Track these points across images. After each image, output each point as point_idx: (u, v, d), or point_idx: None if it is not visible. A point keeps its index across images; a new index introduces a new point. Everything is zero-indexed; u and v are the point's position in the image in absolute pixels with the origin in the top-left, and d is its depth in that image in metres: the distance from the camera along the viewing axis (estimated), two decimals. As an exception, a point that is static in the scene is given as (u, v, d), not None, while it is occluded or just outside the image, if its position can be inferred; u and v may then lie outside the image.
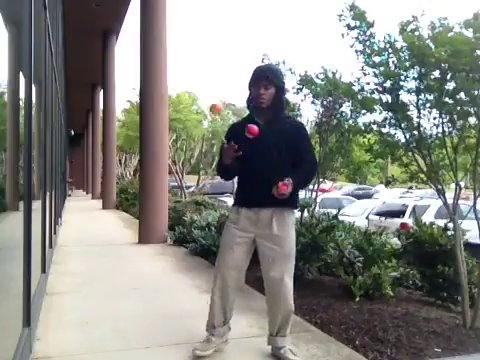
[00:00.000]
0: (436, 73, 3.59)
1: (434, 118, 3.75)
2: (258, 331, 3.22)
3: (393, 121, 3.90)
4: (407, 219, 9.38)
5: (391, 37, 3.74)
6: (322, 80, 5.52)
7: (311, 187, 5.87)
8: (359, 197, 17.98)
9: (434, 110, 3.73)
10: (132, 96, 25.74)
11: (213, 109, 2.88)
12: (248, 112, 3.08)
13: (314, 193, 5.80)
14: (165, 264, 6.10)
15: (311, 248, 4.70)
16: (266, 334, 3.07)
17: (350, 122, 5.56)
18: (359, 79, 4.03)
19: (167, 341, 3.21)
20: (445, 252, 4.36)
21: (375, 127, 4.11)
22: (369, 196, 23.51)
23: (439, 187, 3.79)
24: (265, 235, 2.89)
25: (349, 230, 5.17)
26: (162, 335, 3.33)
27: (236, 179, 3.11)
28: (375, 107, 3.99)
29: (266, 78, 2.87)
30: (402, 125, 3.86)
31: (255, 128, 2.77)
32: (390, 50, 3.74)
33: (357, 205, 13.20)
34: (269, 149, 2.84)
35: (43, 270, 4.54)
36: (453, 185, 3.85)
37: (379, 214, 10.54)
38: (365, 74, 3.93)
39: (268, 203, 2.85)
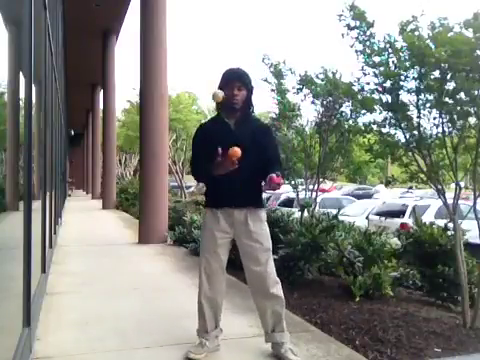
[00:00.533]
0: (436, 73, 3.59)
1: (434, 118, 3.75)
2: (258, 331, 3.22)
3: (393, 121, 3.90)
4: (407, 219, 9.38)
5: (391, 37, 3.74)
6: (322, 80, 5.53)
7: (311, 187, 5.87)
8: (359, 197, 17.96)
9: (434, 110, 3.73)
10: (132, 96, 25.80)
11: (215, 97, 2.92)
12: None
13: (314, 193, 5.81)
14: (165, 264, 6.10)
15: (311, 248, 4.70)
16: (266, 334, 3.09)
17: (350, 122, 5.57)
18: (359, 79, 4.03)
19: (167, 341, 3.21)
20: (445, 252, 4.36)
21: (375, 127, 4.10)
22: (369, 196, 23.48)
23: (439, 187, 3.79)
24: (243, 233, 2.95)
25: (349, 230, 5.17)
26: (162, 335, 3.33)
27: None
28: (375, 107, 3.99)
29: (239, 80, 2.97)
30: (402, 125, 3.86)
31: (238, 151, 2.73)
32: (390, 50, 3.74)
33: (357, 205, 13.20)
34: (241, 149, 2.82)
35: (43, 270, 4.54)
36: (453, 185, 3.85)
37: (379, 214, 10.54)
38: (365, 74, 3.93)
39: (242, 203, 2.95)
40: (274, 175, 2.70)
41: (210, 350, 2.97)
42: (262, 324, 3.03)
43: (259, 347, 3.10)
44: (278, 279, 2.97)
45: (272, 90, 5.91)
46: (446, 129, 3.71)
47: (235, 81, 2.95)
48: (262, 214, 3.02)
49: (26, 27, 2.97)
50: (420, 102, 3.74)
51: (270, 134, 3.18)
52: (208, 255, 2.97)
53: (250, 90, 3.03)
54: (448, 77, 3.54)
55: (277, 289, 2.94)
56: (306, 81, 5.56)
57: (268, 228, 3.03)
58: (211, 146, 2.81)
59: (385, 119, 3.95)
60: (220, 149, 2.74)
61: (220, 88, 3.00)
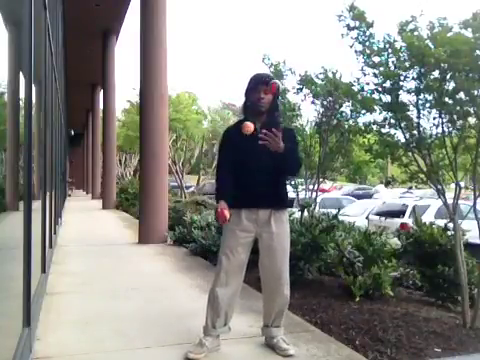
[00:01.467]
0: (436, 73, 3.59)
1: (434, 118, 3.75)
2: (258, 331, 3.22)
3: (393, 121, 3.90)
4: (407, 219, 9.37)
5: (390, 37, 3.75)
6: (322, 80, 5.52)
7: (311, 187, 5.87)
8: (359, 197, 17.95)
9: (434, 110, 3.73)
10: (132, 96, 25.83)
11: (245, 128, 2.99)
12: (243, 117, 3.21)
13: (314, 193, 5.81)
14: (165, 264, 6.10)
15: (311, 248, 4.70)
16: (267, 334, 3.10)
17: (350, 122, 5.56)
18: (359, 79, 4.04)
19: (167, 341, 3.21)
20: (445, 252, 4.35)
21: (375, 127, 4.11)
22: (369, 196, 23.48)
23: (439, 187, 3.79)
24: (265, 232, 3.04)
25: (349, 230, 5.17)
26: (162, 335, 3.33)
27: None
28: (375, 107, 3.99)
29: (266, 84, 3.03)
30: (402, 125, 3.86)
31: (251, 126, 2.92)
32: (390, 50, 3.74)
33: (357, 205, 13.20)
34: (267, 151, 2.92)
35: (43, 270, 4.54)
36: (453, 185, 3.85)
37: (379, 214, 10.54)
38: (365, 74, 3.93)
39: (267, 204, 3.03)
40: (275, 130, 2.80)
41: (210, 350, 2.98)
42: (264, 318, 3.15)
43: (259, 347, 3.10)
44: (289, 280, 3.08)
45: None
46: (446, 129, 3.71)
47: (261, 85, 3.03)
48: (285, 215, 3.11)
49: (26, 27, 2.97)
50: (420, 102, 3.74)
51: (293, 136, 3.27)
52: (229, 253, 3.03)
53: (276, 94, 3.11)
54: (448, 77, 3.54)
55: (287, 289, 3.07)
56: (306, 81, 5.55)
57: (289, 229, 3.14)
58: (237, 149, 3.02)
59: (385, 119, 3.96)
60: (222, 203, 2.97)
61: (247, 92, 3.11)
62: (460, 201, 3.82)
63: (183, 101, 22.33)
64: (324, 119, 5.69)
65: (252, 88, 3.07)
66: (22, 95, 2.97)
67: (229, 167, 3.07)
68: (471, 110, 3.56)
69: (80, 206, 17.32)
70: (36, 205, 3.91)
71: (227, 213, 2.94)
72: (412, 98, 3.77)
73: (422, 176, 3.90)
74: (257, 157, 3.00)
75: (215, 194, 3.15)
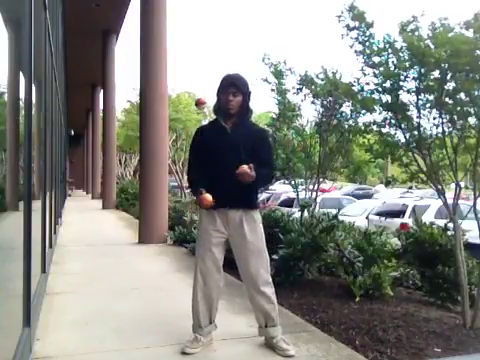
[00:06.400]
0: (436, 73, 3.58)
1: (434, 118, 3.75)
2: (258, 331, 3.22)
3: (393, 121, 3.90)
4: (407, 219, 9.38)
5: (391, 37, 3.74)
6: (322, 80, 5.52)
7: (311, 187, 5.87)
8: (359, 197, 17.96)
9: (434, 110, 3.73)
10: (132, 96, 25.78)
11: (198, 104, 3.11)
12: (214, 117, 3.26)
13: (314, 193, 5.81)
14: (165, 264, 6.10)
15: (311, 248, 4.70)
16: (267, 334, 3.11)
17: (350, 122, 5.56)
18: (359, 79, 4.03)
19: (167, 341, 3.21)
20: (445, 252, 4.35)
21: (375, 127, 4.10)
22: (369, 196, 23.46)
23: (439, 187, 3.79)
24: (237, 234, 3.05)
25: (349, 230, 5.17)
26: (162, 335, 3.33)
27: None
28: (375, 107, 3.98)
29: (234, 86, 3.07)
30: (402, 125, 3.85)
31: (203, 99, 3.08)
32: (390, 50, 3.74)
33: (357, 205, 13.20)
34: (237, 151, 2.98)
35: (43, 270, 4.54)
36: (453, 185, 3.85)
37: (379, 214, 10.54)
38: (365, 74, 3.93)
39: (237, 204, 3.04)
40: (245, 166, 2.84)
41: (205, 345, 3.07)
42: (256, 319, 3.17)
43: (258, 347, 3.10)
44: (270, 279, 3.09)
45: (272, 90, 5.91)
46: (446, 129, 3.71)
47: (230, 87, 3.06)
48: (256, 215, 3.12)
49: (26, 27, 2.97)
50: (420, 102, 3.74)
51: (265, 138, 3.30)
52: (203, 253, 3.07)
53: (246, 95, 3.12)
54: (448, 77, 3.54)
55: (267, 288, 3.05)
56: (306, 81, 5.55)
57: (262, 229, 3.12)
58: (208, 148, 3.05)
59: (385, 119, 3.95)
60: (202, 190, 2.96)
61: (217, 94, 3.13)
62: (460, 201, 3.82)
63: (183, 101, 22.27)
64: (324, 119, 5.69)
65: (221, 90, 3.10)
66: (22, 95, 2.97)
67: (200, 165, 3.10)
68: (471, 110, 3.55)
69: (80, 206, 17.31)
70: (36, 205, 3.91)
71: (209, 196, 2.93)
72: (412, 98, 3.77)
73: (422, 176, 3.90)
74: (228, 157, 3.00)
75: (190, 190, 3.19)
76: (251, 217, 3.06)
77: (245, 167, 2.85)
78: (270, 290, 3.06)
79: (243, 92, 3.09)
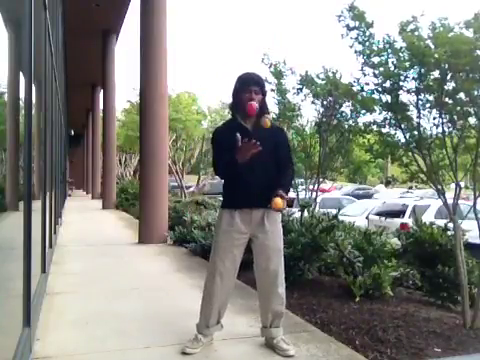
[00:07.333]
0: (436, 73, 3.58)
1: (434, 118, 3.75)
2: (259, 331, 3.22)
3: (393, 121, 3.90)
4: (407, 219, 9.38)
5: (390, 37, 3.74)
6: (322, 80, 5.52)
7: (311, 187, 5.87)
8: (359, 197, 17.95)
9: (434, 110, 3.73)
10: (132, 96, 25.80)
11: (250, 111, 3.00)
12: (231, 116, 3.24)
13: (314, 193, 5.81)
14: (165, 264, 6.10)
15: (311, 248, 4.70)
16: (267, 334, 3.11)
17: (350, 122, 5.57)
18: (359, 79, 4.03)
19: (167, 341, 3.21)
20: (445, 252, 4.35)
21: (375, 127, 4.10)
22: (369, 196, 23.47)
23: (439, 187, 3.79)
24: (259, 233, 3.05)
25: (349, 230, 5.16)
26: (162, 335, 3.33)
27: (223, 182, 3.21)
28: (375, 107, 3.99)
29: (256, 84, 3.05)
30: (402, 125, 3.85)
31: (255, 105, 2.96)
32: (390, 50, 3.74)
33: (357, 205, 13.20)
34: (260, 151, 2.91)
35: (43, 270, 4.54)
36: (453, 185, 3.85)
37: (379, 214, 10.54)
38: (365, 74, 3.93)
39: (259, 204, 3.03)
40: (279, 199, 2.85)
41: (205, 345, 3.06)
42: (261, 319, 3.15)
43: (259, 347, 3.11)
44: (284, 281, 3.10)
45: (272, 90, 5.91)
46: (446, 129, 3.71)
47: (251, 85, 3.03)
48: (278, 215, 3.12)
49: (26, 27, 2.97)
50: (420, 102, 3.74)
51: (285, 135, 3.32)
52: (223, 255, 3.05)
53: (265, 94, 3.13)
54: (448, 77, 3.54)
55: (283, 289, 3.08)
56: (306, 81, 5.55)
57: (282, 229, 3.14)
58: (230, 151, 2.91)
59: (385, 119, 3.95)
60: (239, 135, 2.88)
61: (236, 91, 3.08)
62: (460, 201, 3.82)
63: (183, 101, 22.29)
64: (324, 119, 5.69)
65: (241, 88, 3.05)
66: (22, 95, 2.97)
67: (226, 153, 2.99)
68: (471, 110, 3.55)
69: (80, 206, 17.31)
70: (36, 205, 3.91)
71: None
72: (412, 98, 3.77)
73: (422, 176, 3.90)
74: (250, 158, 2.93)
75: (227, 171, 3.05)
76: (272, 217, 3.06)
77: (278, 201, 2.86)
78: (284, 291, 3.09)
79: (263, 91, 3.09)
